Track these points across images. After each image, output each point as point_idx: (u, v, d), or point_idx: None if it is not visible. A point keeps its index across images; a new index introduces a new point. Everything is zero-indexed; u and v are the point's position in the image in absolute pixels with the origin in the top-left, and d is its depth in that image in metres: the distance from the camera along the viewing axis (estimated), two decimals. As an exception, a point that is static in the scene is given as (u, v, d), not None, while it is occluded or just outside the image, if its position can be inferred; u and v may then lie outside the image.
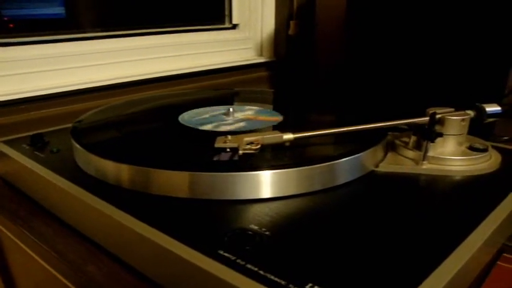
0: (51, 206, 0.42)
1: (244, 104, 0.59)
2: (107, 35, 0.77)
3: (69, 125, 0.50)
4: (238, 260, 0.27)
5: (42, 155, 0.46)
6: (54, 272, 0.37)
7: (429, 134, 0.41)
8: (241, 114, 0.53)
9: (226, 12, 0.99)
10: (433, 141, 0.42)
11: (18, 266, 0.48)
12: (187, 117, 0.51)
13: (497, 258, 0.35)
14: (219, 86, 0.90)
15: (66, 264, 0.35)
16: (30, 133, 0.50)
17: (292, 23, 0.98)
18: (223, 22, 0.99)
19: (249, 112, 0.54)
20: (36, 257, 0.40)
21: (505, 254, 0.35)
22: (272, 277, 0.26)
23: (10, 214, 0.43)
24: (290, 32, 0.99)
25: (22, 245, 0.42)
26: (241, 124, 0.49)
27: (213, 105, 0.57)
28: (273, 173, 0.36)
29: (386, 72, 0.74)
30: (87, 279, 0.33)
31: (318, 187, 0.37)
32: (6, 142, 0.50)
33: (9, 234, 0.44)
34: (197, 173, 0.35)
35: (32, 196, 0.45)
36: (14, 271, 0.49)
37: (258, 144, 0.38)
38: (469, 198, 0.36)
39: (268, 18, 1.00)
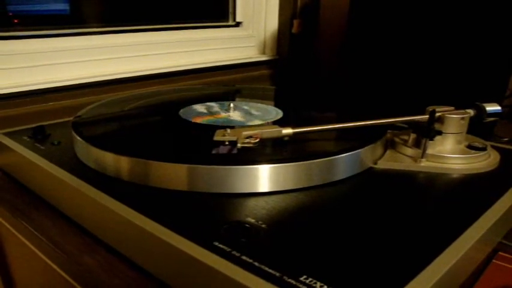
0: (50, 198, 0.42)
1: (245, 100, 0.59)
2: (110, 30, 0.77)
3: (71, 118, 0.50)
4: (234, 252, 0.27)
5: (42, 147, 0.46)
6: (50, 263, 0.37)
7: (428, 131, 0.41)
8: (241, 110, 0.53)
9: (230, 10, 0.99)
10: (431, 139, 0.42)
11: (15, 257, 0.48)
12: (188, 112, 0.51)
13: (492, 256, 0.35)
14: (221, 82, 0.90)
15: (63, 256, 0.35)
16: (32, 125, 0.51)
17: (295, 21, 0.98)
18: (226, 19, 0.99)
19: (250, 108, 0.54)
20: (34, 248, 0.40)
21: (501, 253, 0.35)
22: (267, 269, 0.26)
23: (9, 205, 0.43)
24: (293, 30, 0.99)
25: (20, 236, 0.42)
26: (241, 119, 0.49)
27: (214, 101, 0.57)
28: (272, 167, 0.36)
29: (389, 71, 0.74)
30: (84, 270, 0.33)
31: (316, 182, 0.37)
32: (7, 134, 0.50)
33: (7, 225, 0.44)
34: (195, 165, 0.35)
35: (31, 188, 0.45)
36: (11, 262, 0.50)
37: (256, 138, 0.38)
38: (466, 196, 0.36)
39: (272, 17, 1.01)
